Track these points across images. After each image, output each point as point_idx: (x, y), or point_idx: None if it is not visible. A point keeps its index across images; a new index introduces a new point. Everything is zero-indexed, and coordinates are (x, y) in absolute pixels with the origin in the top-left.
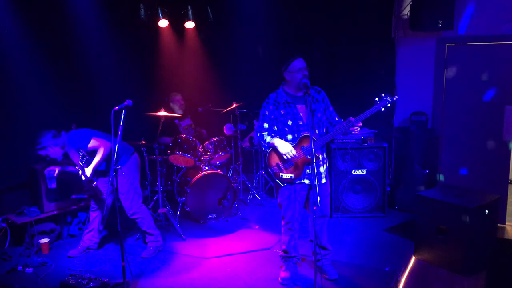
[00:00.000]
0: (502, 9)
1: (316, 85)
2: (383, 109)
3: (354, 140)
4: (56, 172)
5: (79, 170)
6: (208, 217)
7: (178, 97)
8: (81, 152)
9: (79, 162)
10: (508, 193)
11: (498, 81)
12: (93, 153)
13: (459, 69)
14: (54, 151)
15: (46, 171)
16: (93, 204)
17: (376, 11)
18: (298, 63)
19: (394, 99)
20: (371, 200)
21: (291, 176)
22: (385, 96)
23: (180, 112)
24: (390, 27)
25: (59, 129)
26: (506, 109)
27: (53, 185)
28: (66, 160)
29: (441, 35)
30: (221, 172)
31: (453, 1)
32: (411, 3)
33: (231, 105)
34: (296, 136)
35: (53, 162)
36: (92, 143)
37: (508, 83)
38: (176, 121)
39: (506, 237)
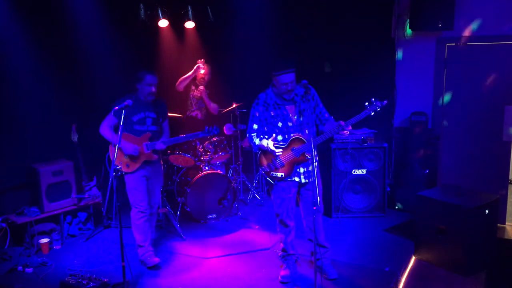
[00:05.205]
0: (502, 9)
1: (314, 85)
2: (372, 114)
3: (354, 140)
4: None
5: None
6: (208, 217)
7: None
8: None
9: None
10: (508, 193)
11: (498, 81)
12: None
13: (459, 69)
14: None
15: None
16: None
17: (376, 11)
18: (284, 78)
19: (384, 103)
20: (371, 200)
21: (282, 175)
22: (375, 101)
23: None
24: (390, 27)
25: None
26: (506, 109)
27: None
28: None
29: (441, 35)
30: (221, 172)
31: (453, 1)
32: (411, 3)
33: (231, 105)
34: (286, 137)
35: None
36: None
37: (508, 83)
38: (193, 87)
39: (506, 237)
